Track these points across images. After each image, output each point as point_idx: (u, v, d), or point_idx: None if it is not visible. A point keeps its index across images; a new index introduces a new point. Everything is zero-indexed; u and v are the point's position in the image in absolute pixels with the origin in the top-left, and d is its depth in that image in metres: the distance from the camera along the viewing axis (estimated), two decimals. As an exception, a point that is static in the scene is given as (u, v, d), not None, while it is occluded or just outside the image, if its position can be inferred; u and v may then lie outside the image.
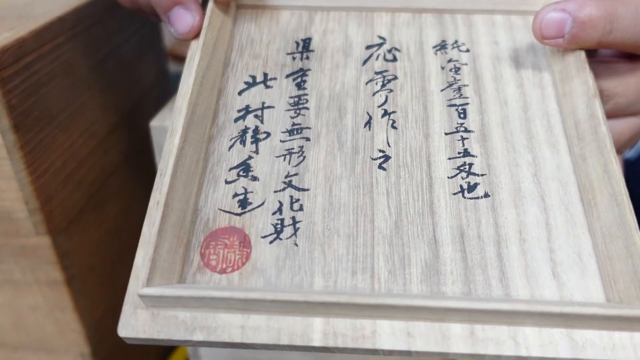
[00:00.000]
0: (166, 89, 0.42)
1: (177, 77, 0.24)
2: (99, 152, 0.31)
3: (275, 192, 0.20)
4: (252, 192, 0.20)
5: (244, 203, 0.19)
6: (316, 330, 0.16)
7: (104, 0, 0.31)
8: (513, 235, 0.19)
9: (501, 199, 0.19)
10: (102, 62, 0.31)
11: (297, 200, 0.19)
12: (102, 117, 0.31)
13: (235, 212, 0.19)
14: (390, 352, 0.16)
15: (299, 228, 0.19)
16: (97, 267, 0.31)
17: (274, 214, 0.19)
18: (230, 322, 0.17)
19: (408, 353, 0.16)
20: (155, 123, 0.28)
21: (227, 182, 0.20)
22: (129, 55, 0.35)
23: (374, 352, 0.16)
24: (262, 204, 0.19)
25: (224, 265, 0.18)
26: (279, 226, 0.19)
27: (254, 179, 0.20)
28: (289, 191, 0.20)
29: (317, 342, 0.16)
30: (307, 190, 0.20)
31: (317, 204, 0.19)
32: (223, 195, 0.20)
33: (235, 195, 0.20)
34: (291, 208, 0.19)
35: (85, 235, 0.30)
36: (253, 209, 0.19)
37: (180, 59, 0.74)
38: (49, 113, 0.26)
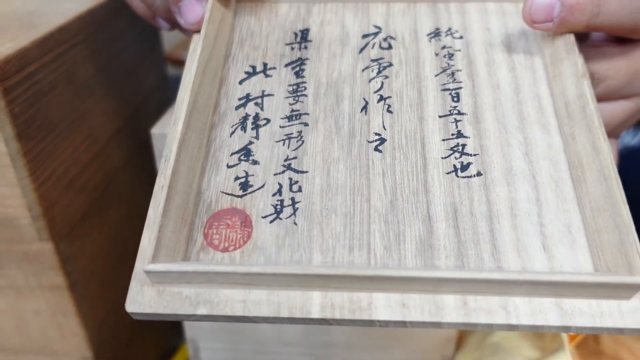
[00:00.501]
0: (166, 93, 0.42)
1: (176, 81, 0.24)
2: (100, 158, 0.31)
3: (275, 174, 0.20)
4: (252, 175, 0.21)
5: (245, 185, 0.20)
6: (315, 303, 0.17)
7: (104, 8, 0.31)
8: (505, 211, 0.19)
9: (493, 177, 0.20)
10: (103, 69, 0.31)
11: (296, 182, 0.20)
12: (104, 123, 0.32)
13: (236, 194, 0.20)
14: (386, 323, 0.17)
15: (297, 208, 0.20)
16: (98, 272, 0.31)
17: (273, 195, 0.20)
18: (233, 297, 0.17)
19: (403, 324, 0.17)
20: (156, 130, 0.29)
21: (228, 167, 0.21)
22: (129, 61, 0.35)
23: (371, 323, 0.17)
24: (263, 186, 0.20)
25: (226, 244, 0.19)
26: (278, 207, 0.20)
27: (255, 162, 0.21)
28: (288, 174, 0.20)
29: (315, 315, 0.17)
30: (306, 172, 0.20)
31: (315, 185, 0.20)
32: (225, 179, 0.20)
33: (237, 178, 0.20)
34: (290, 189, 0.20)
35: (88, 240, 0.30)
36: (254, 191, 0.20)
37: (179, 63, 0.74)
38: (51, 121, 0.26)
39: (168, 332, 0.43)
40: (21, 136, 0.24)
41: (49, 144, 0.26)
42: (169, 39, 0.51)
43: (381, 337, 0.32)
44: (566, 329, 0.17)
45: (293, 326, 0.32)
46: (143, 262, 0.18)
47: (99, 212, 0.31)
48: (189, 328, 0.33)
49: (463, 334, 0.34)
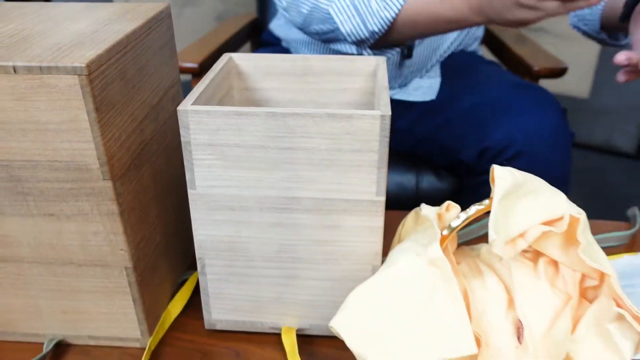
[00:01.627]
0: (179, 89, 0.57)
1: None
2: (139, 130, 0.45)
3: None
4: None
5: None
6: None
7: (141, 28, 0.45)
8: None
9: None
10: (141, 69, 0.46)
11: None
12: (141, 106, 0.46)
13: None
14: None
15: None
16: (138, 207, 0.45)
17: None
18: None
19: None
20: (180, 107, 0.43)
21: None
22: (157, 64, 0.49)
23: None
24: None
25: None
26: None
27: None
28: None
29: None
30: None
31: None
32: None
33: None
34: None
35: (131, 184, 0.44)
36: None
37: (181, 69, 0.89)
38: (112, 101, 0.41)
39: (182, 265, 0.56)
40: (97, 110, 0.38)
41: (111, 117, 0.40)
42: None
43: (325, 255, 0.46)
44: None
45: (271, 245, 0.46)
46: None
47: (138, 167, 0.45)
48: (198, 250, 0.47)
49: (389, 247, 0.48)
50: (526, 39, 1.03)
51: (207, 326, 0.51)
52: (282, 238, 0.46)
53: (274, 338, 0.51)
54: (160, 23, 0.50)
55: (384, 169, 0.42)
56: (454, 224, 0.39)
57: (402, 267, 0.37)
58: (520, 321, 0.38)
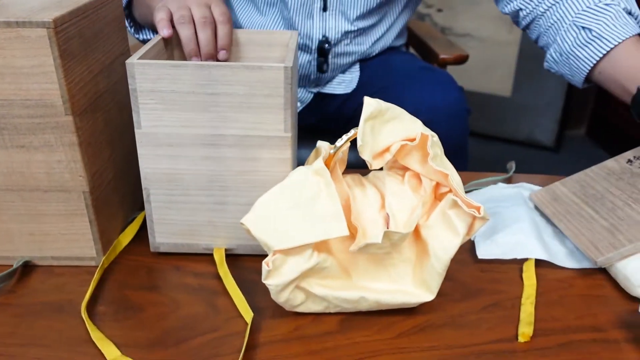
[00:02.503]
0: (128, 56, 0.68)
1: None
2: (98, 79, 0.57)
3: None
4: None
5: None
6: None
7: (96, 1, 0.57)
8: None
9: None
10: (97, 33, 0.57)
11: None
12: (96, 63, 0.57)
13: None
14: None
15: None
16: (94, 142, 0.56)
17: None
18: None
19: None
20: (128, 60, 0.54)
21: None
22: (110, 31, 0.61)
23: None
24: None
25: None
26: None
27: None
28: None
29: None
30: None
31: None
32: None
33: None
34: None
35: (90, 121, 0.55)
36: None
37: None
38: (75, 52, 0.52)
39: (132, 205, 0.67)
40: (61, 57, 0.49)
41: (72, 65, 0.52)
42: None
43: (247, 183, 0.58)
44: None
45: (203, 176, 0.57)
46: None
47: (94, 111, 0.56)
48: (144, 181, 0.58)
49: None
50: (438, 37, 1.18)
51: (152, 249, 0.61)
52: (212, 170, 0.57)
53: (208, 257, 0.62)
54: (111, 1, 0.62)
55: (290, 111, 0.54)
56: (338, 143, 0.51)
57: (294, 176, 0.50)
58: (387, 214, 0.51)
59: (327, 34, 0.93)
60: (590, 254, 0.58)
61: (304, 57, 0.96)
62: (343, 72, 1.02)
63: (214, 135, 0.55)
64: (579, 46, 0.74)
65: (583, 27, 0.74)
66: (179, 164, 0.57)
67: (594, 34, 0.73)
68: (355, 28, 0.94)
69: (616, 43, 0.71)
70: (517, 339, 0.51)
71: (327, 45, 0.94)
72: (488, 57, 2.04)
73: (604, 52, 0.72)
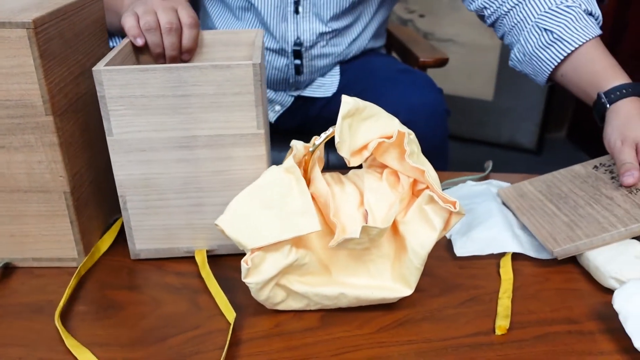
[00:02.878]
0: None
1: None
2: (74, 83, 0.57)
3: None
4: None
5: None
6: None
7: (76, 3, 0.57)
8: None
9: None
10: (77, 35, 0.57)
11: None
12: (77, 65, 0.57)
13: None
14: None
15: None
16: (74, 143, 0.56)
17: None
18: None
19: None
20: (95, 68, 0.53)
21: None
22: (91, 33, 0.61)
23: None
24: None
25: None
26: None
27: None
28: None
29: None
30: None
31: None
32: None
33: None
34: None
35: (69, 122, 0.55)
36: None
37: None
38: (55, 52, 0.52)
39: (111, 210, 0.67)
40: (41, 57, 0.50)
41: (52, 65, 0.52)
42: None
43: (223, 183, 0.58)
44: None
45: (178, 179, 0.56)
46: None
47: (75, 112, 0.57)
48: (119, 188, 0.56)
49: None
50: (420, 41, 1.20)
51: (132, 256, 0.61)
52: (186, 172, 0.57)
53: (190, 259, 0.62)
54: (94, 3, 0.62)
55: (261, 107, 0.54)
56: (317, 141, 0.52)
57: (267, 175, 0.51)
58: (366, 210, 0.52)
59: (301, 37, 0.94)
60: (548, 245, 0.60)
61: (281, 61, 0.97)
62: (323, 75, 1.03)
63: (186, 137, 0.55)
64: (541, 48, 0.76)
65: (545, 29, 0.75)
66: (153, 168, 0.56)
67: (555, 36, 0.74)
68: (330, 29, 0.96)
69: (577, 45, 0.73)
70: (494, 332, 0.52)
71: (301, 47, 0.95)
72: (470, 62, 2.07)
73: (565, 54, 0.74)
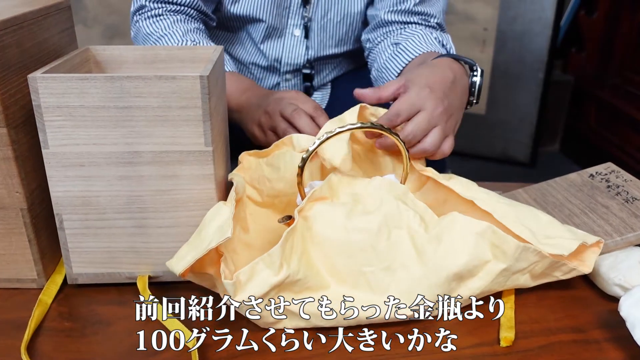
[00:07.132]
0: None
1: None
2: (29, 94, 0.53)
3: None
4: None
5: None
6: None
7: (38, 12, 0.54)
8: None
9: None
10: (40, 43, 0.54)
11: None
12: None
13: None
14: None
15: None
16: (31, 159, 0.53)
17: None
18: None
19: None
20: (30, 75, 0.48)
21: None
22: (57, 43, 0.58)
23: None
24: None
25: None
26: None
27: None
28: None
29: None
30: None
31: None
32: None
33: None
34: None
35: (25, 136, 0.52)
36: None
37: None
38: (9, 63, 0.49)
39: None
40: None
41: (8, 75, 0.49)
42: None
43: (168, 203, 0.55)
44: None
45: (120, 197, 0.51)
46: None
47: (33, 123, 0.53)
48: (56, 206, 0.52)
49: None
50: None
51: (69, 281, 0.55)
52: (129, 190, 0.51)
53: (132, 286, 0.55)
54: (59, 12, 0.59)
55: (209, 122, 0.50)
56: (311, 148, 0.52)
57: (209, 212, 0.50)
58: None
59: (310, 59, 0.95)
60: None
61: (290, 83, 0.98)
62: (315, 89, 1.01)
63: (129, 153, 0.50)
64: (389, 59, 0.80)
65: (395, 43, 0.81)
66: (92, 185, 0.51)
67: (400, 47, 0.79)
68: (336, 52, 0.97)
69: (416, 55, 0.77)
70: (498, 342, 0.48)
71: (311, 70, 0.97)
72: (460, 76, 2.05)
73: (406, 62, 0.77)
